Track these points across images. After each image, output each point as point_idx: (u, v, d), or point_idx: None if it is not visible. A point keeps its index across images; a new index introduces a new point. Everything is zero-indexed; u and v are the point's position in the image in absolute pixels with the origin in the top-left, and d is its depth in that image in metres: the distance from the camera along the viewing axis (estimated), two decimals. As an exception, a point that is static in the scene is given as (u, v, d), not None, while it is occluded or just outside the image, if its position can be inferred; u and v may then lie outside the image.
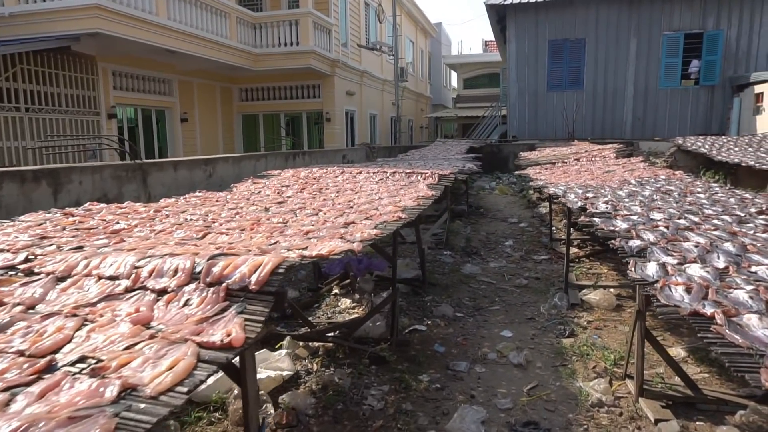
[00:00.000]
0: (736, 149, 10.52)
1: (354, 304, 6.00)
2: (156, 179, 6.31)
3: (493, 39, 29.70)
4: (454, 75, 40.30)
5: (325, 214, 3.87)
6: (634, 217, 3.51)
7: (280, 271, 1.98)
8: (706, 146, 11.02)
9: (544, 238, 9.58)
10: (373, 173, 6.32)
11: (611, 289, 6.48)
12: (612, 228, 3.11)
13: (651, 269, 2.47)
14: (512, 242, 9.41)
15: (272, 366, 4.36)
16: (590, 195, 4.85)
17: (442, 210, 10.27)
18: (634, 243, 2.74)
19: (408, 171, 6.28)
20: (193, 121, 18.15)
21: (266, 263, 1.94)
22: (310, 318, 5.77)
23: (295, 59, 17.92)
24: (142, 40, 13.31)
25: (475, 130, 23.78)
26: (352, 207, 4.21)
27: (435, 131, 35.26)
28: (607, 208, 3.91)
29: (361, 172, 6.42)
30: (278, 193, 5.06)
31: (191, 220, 3.43)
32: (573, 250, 8.71)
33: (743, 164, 8.80)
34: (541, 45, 18.31)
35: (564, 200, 4.70)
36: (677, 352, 4.71)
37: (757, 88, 14.43)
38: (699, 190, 5.32)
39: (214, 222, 3.38)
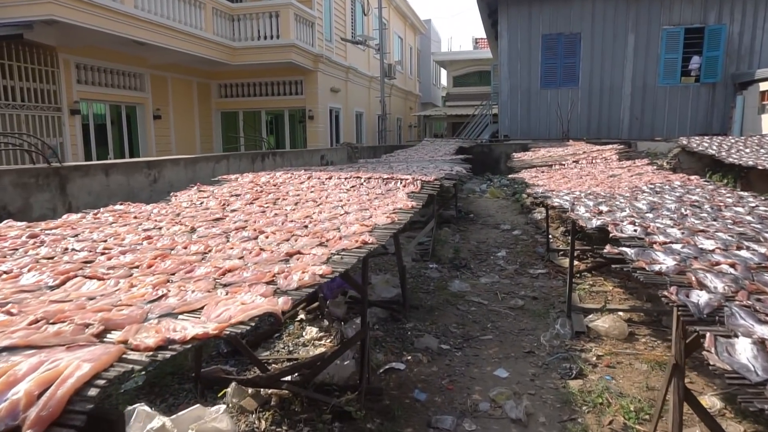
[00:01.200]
0: (747, 150, 9.71)
1: (321, 333, 5.09)
2: (80, 187, 5.33)
3: (484, 36, 28.89)
4: (444, 73, 39.45)
5: (267, 237, 2.96)
6: (678, 246, 2.61)
7: (100, 382, 1.08)
8: (714, 147, 10.21)
9: (540, 247, 8.73)
10: (345, 179, 5.41)
11: (620, 313, 5.63)
12: (656, 268, 2.22)
13: (745, 353, 1.51)
14: (505, 253, 8.54)
15: (206, 428, 3.43)
16: (604, 208, 3.97)
17: (429, 216, 9.39)
18: (700, 298, 1.86)
19: (386, 177, 5.38)
20: (167, 119, 17.15)
21: (67, 376, 1.04)
22: (267, 353, 4.85)
23: (275, 53, 16.96)
24: (107, 30, 12.31)
25: (464, 130, 22.87)
26: (307, 226, 3.30)
27: (424, 130, 34.39)
28: (635, 231, 3.02)
29: (331, 178, 5.51)
30: (223, 205, 4.14)
31: (73, 250, 2.51)
32: (568, 261, 7.86)
33: (759, 167, 7.98)
34: (535, 40, 17.44)
35: (574, 216, 3.81)
36: (711, 402, 3.83)
37: (762, 86, 13.67)
38: (730, 200, 4.45)
39: (103, 254, 2.46)
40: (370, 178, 5.39)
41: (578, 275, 7.12)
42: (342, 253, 2.65)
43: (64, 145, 13.15)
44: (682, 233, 2.89)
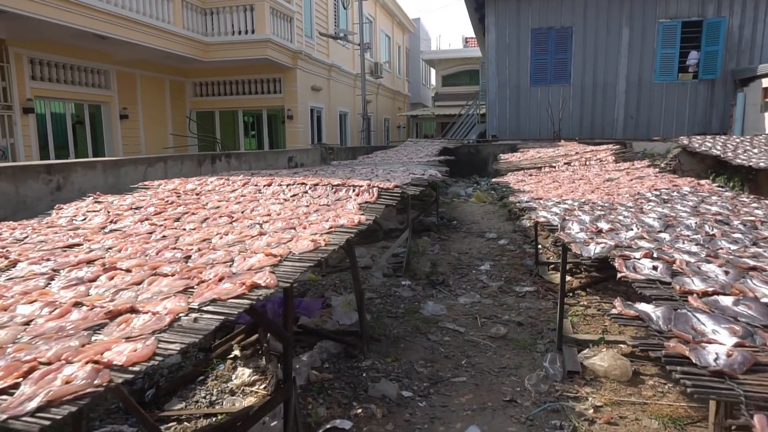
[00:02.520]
0: (755, 150, 8.84)
1: (256, 377, 4.14)
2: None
3: (474, 35, 28.03)
4: (433, 72, 38.57)
5: (110, 279, 2.01)
6: (728, 301, 1.68)
7: None
8: (718, 147, 9.34)
9: (529, 259, 7.81)
10: (288, 186, 4.47)
11: (621, 345, 4.71)
12: (710, 360, 1.29)
13: None
14: (489, 266, 7.61)
15: None
16: (604, 226, 3.04)
17: (407, 223, 8.45)
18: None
19: (337, 183, 4.44)
20: (135, 118, 16.15)
21: None
22: (182, 404, 3.89)
23: (250, 49, 16.01)
24: (62, 22, 11.34)
25: (451, 130, 21.92)
26: (189, 257, 2.36)
27: (414, 131, 33.49)
28: (654, 269, 2.09)
29: (271, 184, 4.57)
30: (110, 220, 3.20)
31: None
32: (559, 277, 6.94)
33: (773, 169, 7.11)
34: (524, 34, 16.53)
35: (566, 238, 2.88)
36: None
37: (765, 82, 12.84)
38: (760, 212, 3.54)
39: None
40: (317, 184, 4.45)
41: (570, 294, 6.23)
42: (206, 309, 1.71)
43: (15, 147, 12.14)
44: (725, 272, 1.98)
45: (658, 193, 4.95)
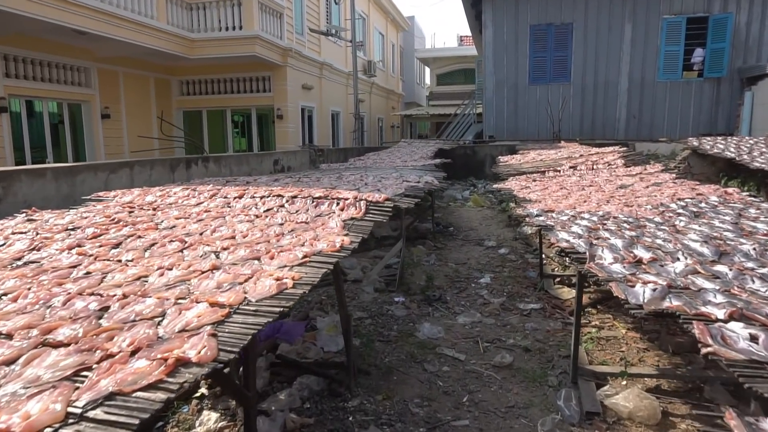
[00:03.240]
0: (772, 153, 8.31)
1: (223, 423, 3.54)
2: None
3: (469, 34, 27.42)
4: (427, 71, 37.98)
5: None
6: None
7: None
8: (731, 149, 8.80)
9: (532, 271, 7.24)
10: (261, 199, 3.88)
11: (645, 379, 4.13)
12: None
13: None
14: (490, 279, 7.03)
15: None
16: (642, 253, 2.47)
17: (401, 230, 7.85)
18: None
19: (319, 195, 3.84)
20: (118, 118, 15.49)
21: None
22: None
23: (237, 46, 15.38)
24: (37, 16, 10.70)
25: (446, 130, 21.30)
26: (109, 308, 1.76)
27: (408, 131, 32.89)
28: (758, 341, 1.51)
29: (242, 196, 3.96)
30: (33, 246, 2.60)
31: None
32: (567, 292, 6.39)
33: (797, 174, 6.56)
34: (522, 31, 15.94)
35: (599, 272, 2.29)
36: None
37: (774, 80, 12.33)
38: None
39: None
40: (296, 196, 3.85)
41: (582, 313, 5.65)
42: (93, 416, 1.11)
43: (-13, 148, 11.49)
44: None
45: (683, 204, 4.38)
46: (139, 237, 2.79)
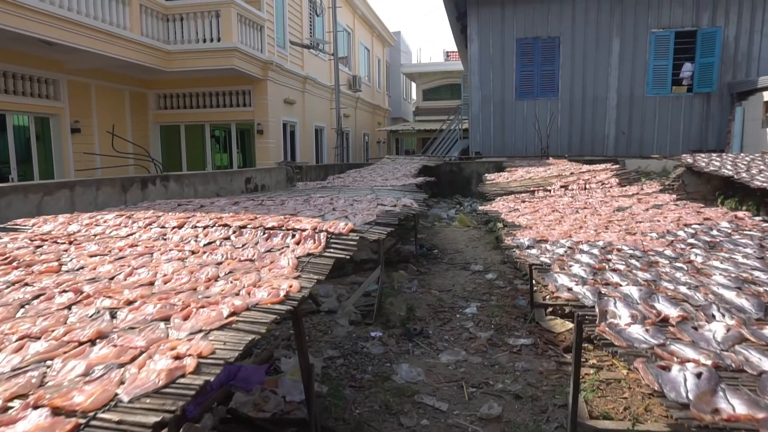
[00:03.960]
0: (772, 171, 7.87)
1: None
2: None
3: (455, 49, 27.14)
4: (414, 86, 37.74)
5: None
6: None
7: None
8: (728, 167, 8.37)
9: (521, 299, 6.69)
10: (204, 229, 3.30)
11: (656, 435, 3.58)
12: None
13: None
14: (476, 309, 6.46)
15: None
16: (670, 311, 1.91)
17: (380, 254, 7.27)
18: None
19: (272, 226, 3.27)
20: (89, 132, 14.84)
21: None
22: None
23: (215, 58, 14.85)
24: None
25: (431, 146, 20.83)
26: None
27: (395, 146, 32.47)
28: None
29: (183, 225, 3.38)
30: None
31: None
32: (560, 324, 5.84)
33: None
34: (508, 44, 15.57)
35: (616, 340, 1.74)
36: None
37: (766, 95, 12.00)
38: None
39: None
40: (244, 227, 3.28)
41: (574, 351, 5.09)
42: None
43: (-58, 165, 10.79)
44: None
45: (692, 231, 3.86)
46: (26, 285, 2.21)
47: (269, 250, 2.87)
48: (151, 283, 2.26)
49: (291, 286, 2.24)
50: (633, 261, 2.88)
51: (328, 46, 19.19)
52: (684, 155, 9.48)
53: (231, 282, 2.27)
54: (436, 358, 5.05)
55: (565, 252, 3.23)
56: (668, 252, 3.15)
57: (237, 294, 2.11)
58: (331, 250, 2.87)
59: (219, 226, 3.32)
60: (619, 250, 3.24)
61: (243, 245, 2.99)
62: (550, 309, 6.24)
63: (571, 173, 8.50)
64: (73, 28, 11.88)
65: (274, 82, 17.07)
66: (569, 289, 2.31)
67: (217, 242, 3.07)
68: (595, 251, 3.21)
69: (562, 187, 7.11)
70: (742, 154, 9.53)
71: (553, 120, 15.30)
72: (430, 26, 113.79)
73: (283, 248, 2.91)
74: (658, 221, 4.45)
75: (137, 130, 16.83)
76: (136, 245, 2.95)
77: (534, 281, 6.63)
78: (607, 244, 3.47)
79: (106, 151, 15.22)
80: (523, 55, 15.50)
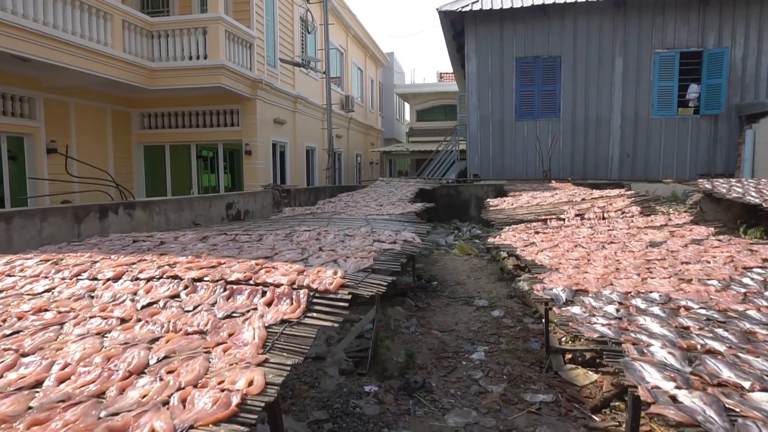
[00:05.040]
0: (802, 198, 7.22)
1: None
2: None
3: (449, 70, 26.74)
4: (407, 107, 37.33)
5: None
6: None
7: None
8: (752, 193, 7.72)
9: (534, 342, 5.94)
10: (147, 282, 2.55)
11: None
12: None
13: None
14: (484, 354, 5.70)
15: None
16: None
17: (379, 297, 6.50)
18: None
19: (234, 279, 2.53)
20: (68, 153, 14.04)
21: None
22: None
23: (201, 76, 14.19)
24: (-35, 40, 9.44)
25: (427, 167, 20.16)
26: None
27: (388, 167, 31.86)
28: None
29: (120, 277, 2.62)
30: None
31: None
32: (583, 375, 5.09)
33: None
34: (508, 63, 15.03)
35: None
36: None
37: (778, 118, 11.48)
38: None
39: None
40: (200, 280, 2.54)
41: (602, 407, 4.38)
42: None
43: None
44: None
45: (761, 278, 3.13)
46: None
47: (230, 315, 2.13)
48: (38, 384, 1.51)
49: (251, 384, 1.48)
50: (721, 332, 2.16)
51: (320, 64, 18.61)
52: (700, 180, 8.84)
53: (161, 378, 1.53)
54: (442, 420, 4.28)
55: (618, 310, 2.50)
56: (752, 312, 2.43)
57: (165, 404, 1.36)
58: (314, 315, 2.14)
59: (167, 278, 2.57)
60: (687, 308, 2.52)
61: (195, 308, 2.25)
62: (569, 355, 5.49)
63: (583, 199, 7.82)
64: (51, 44, 11.23)
65: (263, 101, 16.43)
66: (674, 399, 1.55)
67: (161, 303, 2.32)
68: (658, 309, 2.48)
69: (577, 215, 6.41)
70: (764, 180, 8.90)
71: (555, 142, 14.70)
72: (423, 47, 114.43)
73: (248, 311, 2.17)
74: (708, 262, 3.73)
75: (119, 150, 16.10)
76: (47, 309, 2.19)
77: (551, 327, 5.88)
78: (665, 297, 2.74)
79: (89, 171, 14.44)
80: (523, 75, 14.94)
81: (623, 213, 6.26)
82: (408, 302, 7.41)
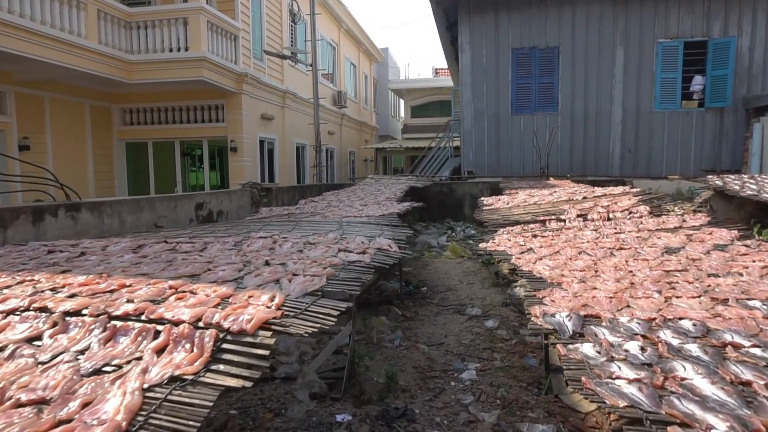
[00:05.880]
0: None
1: None
2: None
3: (445, 66, 26.03)
4: (402, 103, 36.67)
5: None
6: None
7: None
8: (768, 190, 7.09)
9: (531, 358, 5.32)
10: (6, 317, 1.92)
11: None
12: None
13: None
14: (475, 372, 5.07)
15: None
16: None
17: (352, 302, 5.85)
18: None
19: (124, 313, 1.90)
20: (41, 150, 13.45)
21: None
22: None
23: (182, 69, 13.54)
24: None
25: (420, 164, 19.48)
26: None
27: (382, 165, 31.21)
28: None
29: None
30: None
31: None
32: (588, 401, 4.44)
33: None
34: (504, 55, 14.37)
35: None
36: None
37: (789, 111, 10.86)
38: None
39: None
40: (74, 314, 1.91)
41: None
42: None
43: None
44: None
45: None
46: None
47: (100, 369, 1.51)
48: None
49: None
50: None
51: (309, 57, 17.93)
52: (710, 176, 8.24)
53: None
54: (425, 459, 3.66)
55: (645, 350, 1.87)
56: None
57: None
58: (221, 368, 1.51)
59: (35, 310, 1.95)
60: (735, 345, 1.90)
61: (54, 357, 1.63)
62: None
63: (584, 197, 7.20)
64: (19, 34, 10.60)
65: (249, 96, 15.77)
66: None
67: (9, 349, 1.69)
68: (697, 348, 1.85)
69: (579, 216, 5.78)
70: (776, 175, 8.31)
71: (553, 137, 14.06)
72: (418, 41, 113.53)
73: (129, 362, 1.56)
74: (740, 275, 3.10)
75: (99, 147, 15.43)
76: None
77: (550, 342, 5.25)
78: (702, 328, 2.11)
79: (66, 168, 13.79)
80: (519, 66, 14.28)
81: (630, 213, 5.64)
82: (394, 311, 6.77)
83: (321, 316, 2.14)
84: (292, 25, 19.21)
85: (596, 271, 3.42)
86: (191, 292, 2.14)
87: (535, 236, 4.94)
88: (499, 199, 8.07)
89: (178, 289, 2.17)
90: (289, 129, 18.96)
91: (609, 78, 13.88)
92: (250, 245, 3.58)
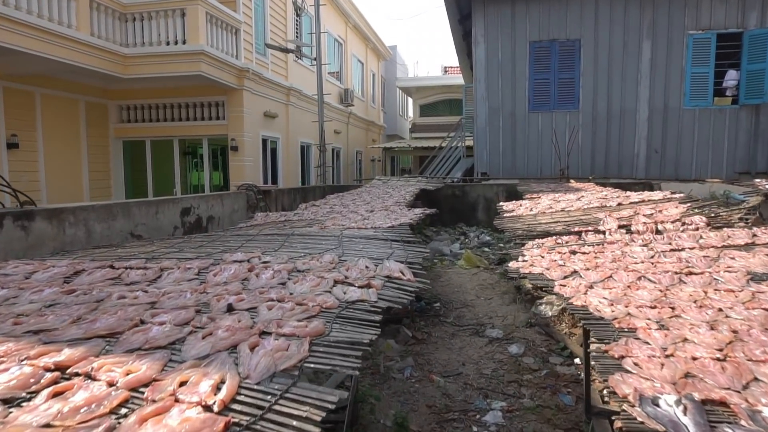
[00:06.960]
0: None
1: None
2: None
3: (454, 64, 25.19)
4: (410, 101, 35.83)
5: None
6: None
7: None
8: (832, 197, 6.19)
9: (565, 394, 4.51)
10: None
11: None
12: None
13: None
14: (501, 413, 4.27)
15: None
16: None
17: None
18: None
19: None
20: (31, 148, 12.77)
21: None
22: None
23: (179, 63, 12.81)
24: None
25: (430, 165, 18.61)
26: None
27: (390, 165, 30.38)
28: None
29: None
30: None
31: None
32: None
33: None
34: (521, 48, 13.50)
35: None
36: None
37: (834, 108, 9.93)
38: None
39: None
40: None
41: None
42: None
43: None
44: None
45: None
46: None
47: None
48: None
49: None
50: None
51: (314, 51, 17.15)
52: (759, 180, 7.36)
53: None
54: None
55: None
56: None
57: None
58: None
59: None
60: None
61: None
62: (618, 424, 4.03)
63: (619, 204, 6.36)
64: (5, 25, 9.89)
65: (251, 93, 15.02)
66: None
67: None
68: None
69: (620, 227, 4.95)
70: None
71: (573, 136, 13.17)
72: (427, 39, 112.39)
73: None
74: None
75: (95, 146, 14.73)
76: None
77: (592, 374, 4.42)
78: None
79: (58, 168, 13.11)
80: (537, 61, 13.41)
81: (684, 224, 4.80)
82: (403, 332, 5.97)
83: (292, 427, 1.35)
84: (296, 19, 18.44)
85: (672, 308, 2.60)
86: (87, 375, 1.36)
87: (573, 253, 4.11)
88: (521, 205, 7.24)
89: (66, 371, 1.39)
90: (293, 128, 18.20)
91: (634, 73, 12.97)
92: (217, 274, 2.78)
